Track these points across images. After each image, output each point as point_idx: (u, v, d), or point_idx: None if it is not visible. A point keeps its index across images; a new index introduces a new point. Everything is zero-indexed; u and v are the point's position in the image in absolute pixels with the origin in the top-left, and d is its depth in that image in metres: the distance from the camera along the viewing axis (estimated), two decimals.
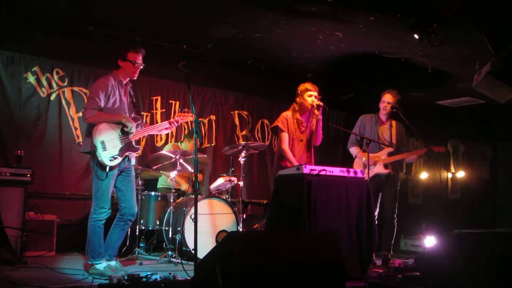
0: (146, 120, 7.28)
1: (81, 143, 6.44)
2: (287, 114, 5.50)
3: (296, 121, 5.49)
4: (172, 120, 5.05)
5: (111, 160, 4.59)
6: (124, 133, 4.70)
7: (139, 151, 4.95)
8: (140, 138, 4.87)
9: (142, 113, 7.28)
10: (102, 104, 4.64)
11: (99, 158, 4.55)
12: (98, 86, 4.69)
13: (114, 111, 4.71)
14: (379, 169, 6.15)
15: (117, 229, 4.85)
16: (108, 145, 4.59)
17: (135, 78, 4.91)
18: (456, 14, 5.32)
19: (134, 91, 5.11)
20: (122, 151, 4.66)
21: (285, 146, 5.36)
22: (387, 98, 6.23)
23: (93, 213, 4.67)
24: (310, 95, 5.46)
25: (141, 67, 4.85)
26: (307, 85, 5.50)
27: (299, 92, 5.49)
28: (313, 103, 5.44)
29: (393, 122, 6.37)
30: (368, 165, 5.86)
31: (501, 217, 10.83)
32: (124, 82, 4.87)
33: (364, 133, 6.24)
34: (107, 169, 4.61)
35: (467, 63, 6.97)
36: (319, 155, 8.84)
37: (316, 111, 5.49)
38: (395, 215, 6.14)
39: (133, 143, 4.79)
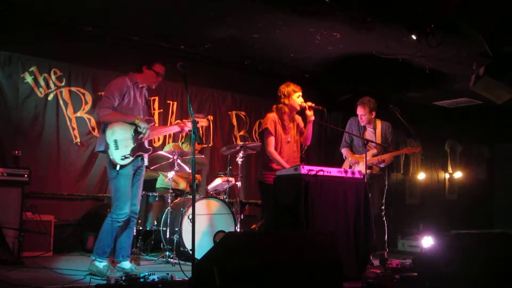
0: None
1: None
2: (274, 116, 5.39)
3: (283, 122, 5.44)
4: (182, 124, 5.04)
5: (122, 159, 4.59)
6: (137, 134, 4.71)
7: (151, 152, 4.97)
8: (152, 139, 4.92)
9: None
10: (116, 103, 4.67)
11: (111, 157, 4.57)
12: (114, 86, 4.73)
13: (129, 110, 4.74)
14: (362, 169, 6.16)
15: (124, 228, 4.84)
16: (121, 144, 4.60)
17: (153, 87, 5.00)
18: (454, 15, 5.33)
19: (149, 94, 5.14)
20: (134, 151, 4.66)
21: (271, 148, 5.30)
22: (359, 112, 6.24)
23: (112, 213, 4.64)
24: (298, 96, 5.42)
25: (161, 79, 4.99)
26: (293, 86, 5.41)
27: (286, 94, 5.37)
28: (303, 104, 5.40)
29: (377, 123, 6.38)
30: (366, 164, 5.87)
31: (499, 217, 10.86)
32: (141, 86, 4.91)
33: (351, 136, 6.31)
34: (118, 167, 4.61)
35: (465, 63, 6.99)
36: (316, 156, 8.89)
37: (308, 112, 5.45)
38: (382, 213, 6.13)
39: (145, 144, 4.78)
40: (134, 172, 4.77)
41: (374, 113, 6.26)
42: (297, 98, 5.40)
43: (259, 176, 5.51)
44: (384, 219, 6.15)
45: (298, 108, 5.42)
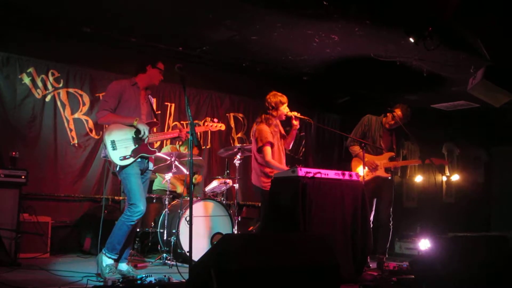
0: None
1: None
2: (266, 128, 5.47)
3: (272, 132, 5.50)
4: (183, 133, 5.03)
5: (121, 160, 4.60)
6: (138, 135, 4.70)
7: (155, 154, 4.97)
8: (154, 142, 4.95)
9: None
10: (113, 105, 4.70)
11: (110, 157, 4.59)
12: (109, 89, 4.80)
13: (128, 111, 4.75)
14: (380, 172, 6.18)
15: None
16: (119, 145, 4.62)
17: (157, 84, 5.03)
18: (451, 18, 5.35)
19: (153, 97, 5.17)
20: (135, 152, 4.67)
21: (270, 158, 5.36)
22: (397, 117, 6.20)
23: (127, 211, 4.65)
24: (285, 107, 5.53)
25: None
26: (280, 97, 5.51)
27: (274, 105, 5.49)
28: (289, 113, 5.50)
29: (394, 130, 6.42)
30: (363, 166, 5.88)
31: (496, 220, 10.86)
32: (142, 87, 4.93)
33: (367, 134, 6.28)
34: (117, 168, 4.65)
35: (462, 67, 7.01)
36: (314, 158, 8.89)
37: (294, 122, 5.55)
38: (390, 219, 6.17)
39: (148, 146, 4.79)
40: (141, 173, 4.78)
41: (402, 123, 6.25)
42: (284, 109, 5.53)
43: (256, 182, 5.52)
44: (391, 225, 6.17)
45: (284, 118, 5.56)
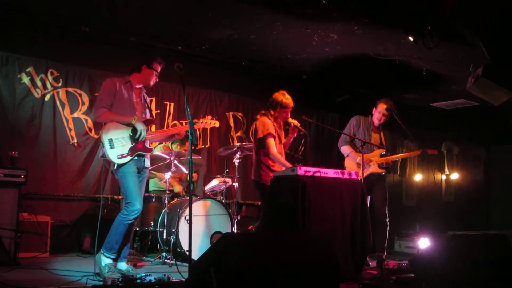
0: None
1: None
2: (268, 120, 5.44)
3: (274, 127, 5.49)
4: (177, 133, 5.08)
5: (119, 158, 4.60)
6: (135, 134, 4.70)
7: (152, 152, 4.98)
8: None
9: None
10: (109, 102, 4.71)
11: (107, 156, 4.58)
12: (103, 87, 4.81)
13: (122, 109, 4.75)
14: (373, 168, 6.21)
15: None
16: (116, 143, 4.61)
17: (151, 85, 5.03)
18: (451, 17, 5.34)
19: (148, 96, 5.18)
20: (132, 150, 4.67)
21: (275, 151, 5.32)
22: (382, 110, 6.32)
23: (124, 209, 4.66)
24: (286, 112, 5.49)
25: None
26: (285, 100, 5.45)
27: (274, 104, 5.46)
28: (289, 120, 5.50)
29: (382, 128, 6.50)
30: (362, 165, 5.89)
31: (495, 218, 10.88)
32: (136, 86, 4.93)
33: (357, 134, 6.32)
34: (115, 166, 4.64)
35: (462, 65, 7.01)
36: (313, 157, 8.90)
37: (291, 130, 5.57)
38: (387, 215, 6.18)
39: (145, 144, 4.79)
40: (137, 171, 4.78)
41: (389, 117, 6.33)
42: (284, 114, 5.51)
43: (256, 178, 5.49)
44: (387, 221, 6.19)
45: (283, 120, 5.56)
